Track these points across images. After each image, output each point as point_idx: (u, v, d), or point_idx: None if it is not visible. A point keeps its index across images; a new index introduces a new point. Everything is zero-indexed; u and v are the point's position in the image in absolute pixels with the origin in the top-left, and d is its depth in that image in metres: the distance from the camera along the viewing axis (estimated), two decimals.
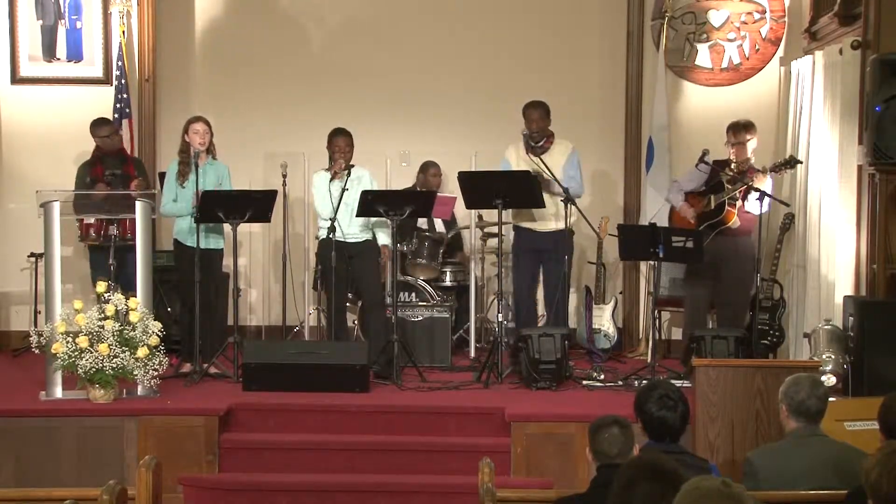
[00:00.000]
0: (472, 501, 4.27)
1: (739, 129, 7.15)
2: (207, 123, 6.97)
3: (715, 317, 7.57)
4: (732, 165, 7.13)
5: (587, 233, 7.74)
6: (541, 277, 7.41)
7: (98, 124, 7.67)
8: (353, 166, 7.01)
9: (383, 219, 6.94)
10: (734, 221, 7.08)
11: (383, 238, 7.15)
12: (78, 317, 6.09)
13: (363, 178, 7.06)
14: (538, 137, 7.13)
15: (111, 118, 8.05)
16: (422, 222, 7.98)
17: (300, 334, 8.23)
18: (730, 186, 7.04)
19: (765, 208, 6.91)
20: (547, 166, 6.97)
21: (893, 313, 6.10)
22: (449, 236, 8.19)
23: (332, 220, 6.86)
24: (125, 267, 6.97)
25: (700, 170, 7.21)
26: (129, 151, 7.94)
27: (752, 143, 7.15)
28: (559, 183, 6.98)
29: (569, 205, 6.95)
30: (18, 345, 8.04)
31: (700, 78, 8.34)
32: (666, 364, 7.24)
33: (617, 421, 3.74)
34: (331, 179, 6.97)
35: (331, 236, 6.85)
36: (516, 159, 7.24)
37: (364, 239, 7.13)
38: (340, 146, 7.01)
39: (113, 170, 7.44)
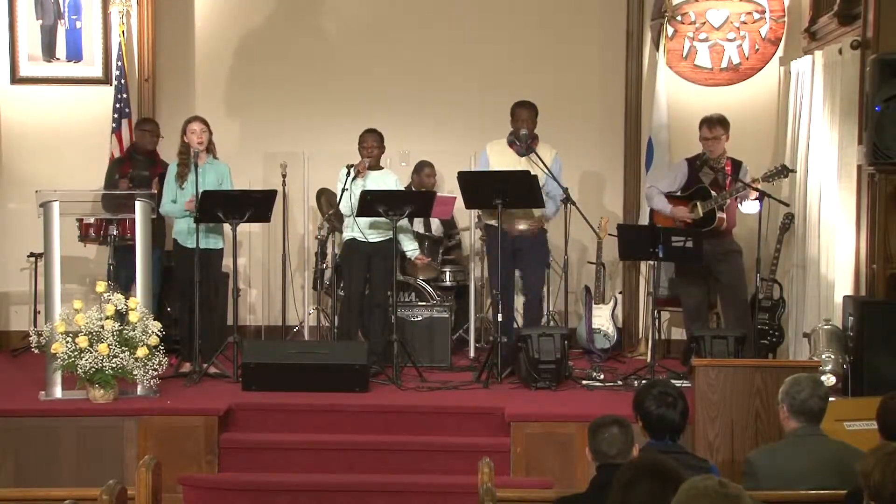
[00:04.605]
0: (471, 501, 4.27)
1: (714, 124, 7.13)
2: (205, 122, 6.98)
3: (716, 317, 7.59)
4: (711, 162, 7.11)
5: (587, 233, 7.73)
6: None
7: (145, 119, 7.95)
8: (381, 167, 7.14)
9: (406, 224, 7.06)
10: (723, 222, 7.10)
11: (410, 245, 7.25)
12: (77, 317, 6.09)
13: (385, 181, 7.10)
14: (526, 137, 7.09)
15: (112, 118, 8.07)
16: (417, 225, 7.98)
17: (300, 334, 8.23)
18: (715, 192, 7.03)
19: (757, 209, 6.91)
20: (545, 163, 6.95)
21: (893, 313, 6.10)
22: (456, 239, 8.21)
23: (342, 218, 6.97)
24: (125, 267, 6.98)
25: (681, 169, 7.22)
26: (126, 151, 7.94)
27: (724, 138, 7.13)
28: (559, 182, 6.98)
29: (568, 204, 6.94)
30: (18, 345, 8.04)
31: (700, 78, 8.33)
32: (666, 364, 7.24)
33: (616, 421, 3.74)
34: (353, 178, 6.99)
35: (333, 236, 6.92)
36: (501, 153, 7.14)
37: (383, 239, 7.12)
38: (367, 144, 7.05)
39: (140, 170, 7.48)
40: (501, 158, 7.11)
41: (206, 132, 6.93)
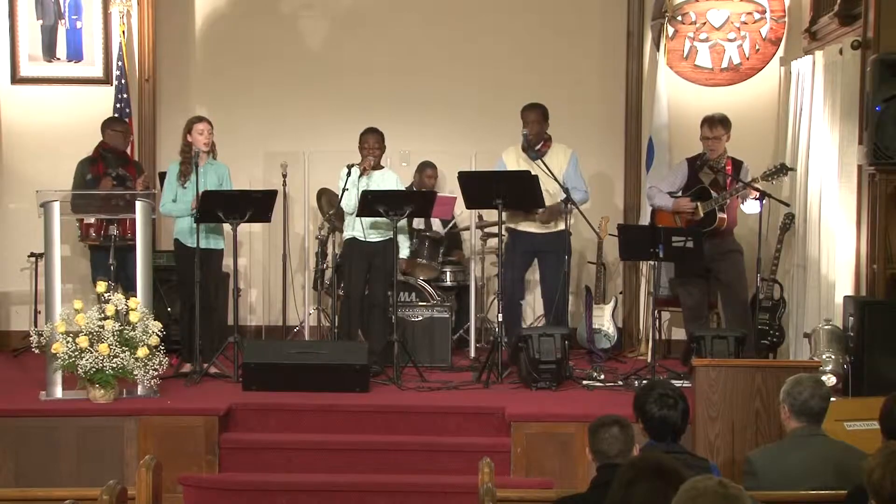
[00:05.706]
0: (471, 501, 4.28)
1: (714, 124, 7.12)
2: (210, 124, 6.98)
3: (716, 317, 7.58)
4: (711, 163, 7.11)
5: (587, 233, 7.73)
6: (537, 278, 7.41)
7: (115, 119, 7.83)
8: (382, 167, 7.13)
9: (404, 225, 7.07)
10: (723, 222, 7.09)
11: (404, 249, 7.26)
12: (78, 317, 6.09)
13: (386, 180, 7.10)
14: (534, 140, 7.11)
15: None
16: (418, 223, 7.98)
17: (300, 334, 8.23)
18: (716, 194, 7.02)
19: (758, 209, 6.91)
20: (549, 168, 6.96)
21: (893, 313, 6.10)
22: (444, 231, 8.19)
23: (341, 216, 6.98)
24: (125, 267, 6.97)
25: (681, 169, 7.22)
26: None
27: (725, 138, 7.12)
28: (560, 184, 6.98)
29: (569, 205, 6.95)
30: (18, 345, 8.04)
31: (700, 78, 8.33)
32: (666, 364, 7.24)
33: (617, 421, 3.74)
34: (359, 177, 7.00)
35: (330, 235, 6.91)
36: (516, 159, 7.21)
37: (384, 239, 7.12)
38: (369, 144, 7.04)
39: (116, 169, 7.44)
40: (516, 165, 7.16)
41: (211, 133, 6.94)
